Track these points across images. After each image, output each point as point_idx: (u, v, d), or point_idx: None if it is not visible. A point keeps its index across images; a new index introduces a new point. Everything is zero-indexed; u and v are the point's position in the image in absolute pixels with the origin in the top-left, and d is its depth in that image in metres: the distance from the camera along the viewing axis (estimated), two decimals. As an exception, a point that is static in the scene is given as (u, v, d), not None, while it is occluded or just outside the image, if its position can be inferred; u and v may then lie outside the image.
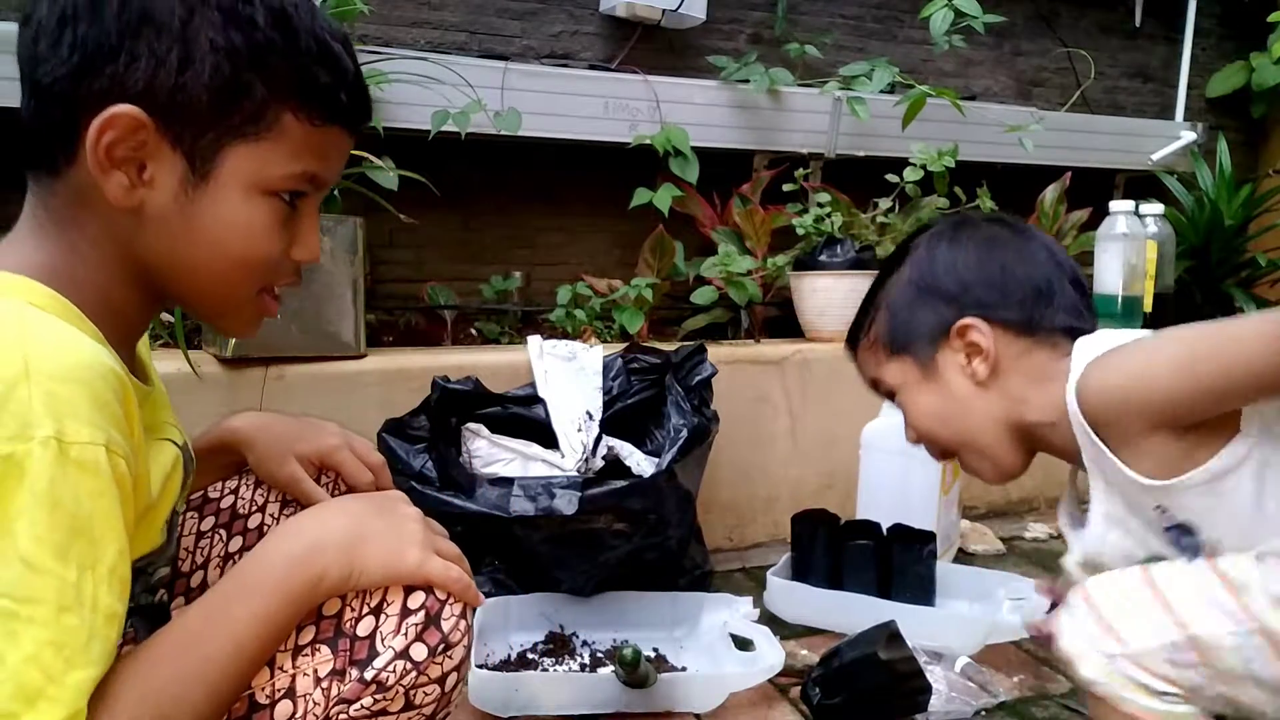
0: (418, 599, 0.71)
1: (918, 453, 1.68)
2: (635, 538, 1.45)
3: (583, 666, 1.37)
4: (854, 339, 1.09)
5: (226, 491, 0.98)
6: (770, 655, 1.29)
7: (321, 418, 1.03)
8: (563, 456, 1.54)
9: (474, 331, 2.15)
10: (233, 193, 0.69)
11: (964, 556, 1.90)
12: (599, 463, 1.56)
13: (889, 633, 1.21)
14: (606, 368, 1.70)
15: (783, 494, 1.99)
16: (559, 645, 1.42)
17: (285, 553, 0.70)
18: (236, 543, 0.96)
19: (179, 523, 0.83)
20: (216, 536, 0.96)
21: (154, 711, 0.61)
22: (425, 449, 1.51)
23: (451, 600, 0.73)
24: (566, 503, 1.38)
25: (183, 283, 0.72)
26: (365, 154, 1.67)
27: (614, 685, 1.22)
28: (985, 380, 0.96)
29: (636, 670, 1.19)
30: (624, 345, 1.77)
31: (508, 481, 1.42)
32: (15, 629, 0.54)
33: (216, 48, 0.65)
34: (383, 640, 0.69)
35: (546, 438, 1.59)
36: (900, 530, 1.60)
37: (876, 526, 1.63)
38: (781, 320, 2.22)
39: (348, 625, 0.70)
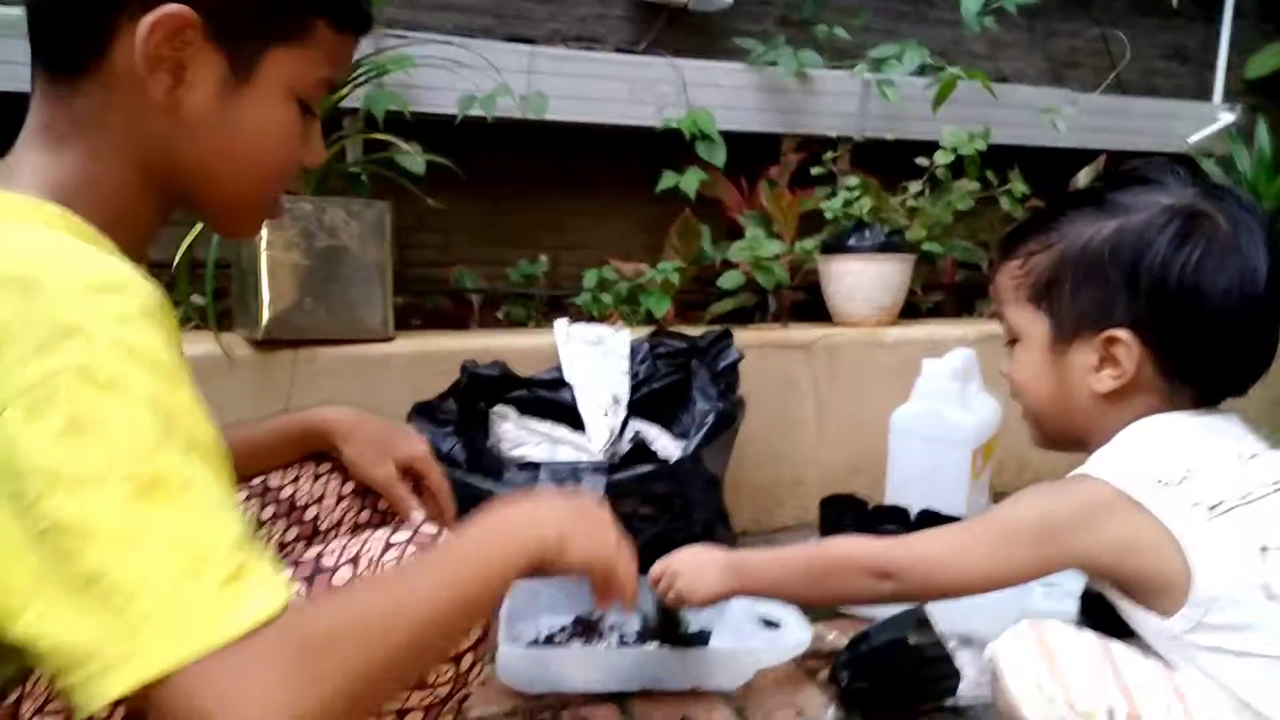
0: None
1: (948, 438, 1.68)
2: (661, 521, 1.45)
3: (610, 649, 1.38)
4: (1009, 250, 0.95)
5: (287, 481, 1.02)
6: (798, 632, 1.29)
7: (351, 401, 1.06)
8: (589, 440, 1.55)
9: (501, 315, 2.16)
10: (271, 95, 0.70)
11: (993, 543, 1.89)
12: (625, 446, 1.55)
13: (918, 618, 1.21)
14: (633, 352, 1.69)
15: (810, 478, 1.98)
16: (587, 629, 1.43)
17: (508, 517, 0.73)
18: (293, 532, 1.00)
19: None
20: (276, 525, 1.00)
21: (359, 637, 0.57)
22: (454, 432, 1.52)
23: None
24: (593, 487, 1.38)
25: (209, 184, 0.72)
26: (393, 138, 1.68)
27: (642, 662, 1.23)
28: (1104, 392, 0.88)
29: (670, 618, 1.23)
30: (650, 329, 1.77)
31: (535, 466, 1.43)
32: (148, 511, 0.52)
33: None
34: None
35: (573, 421, 1.59)
36: (929, 516, 1.59)
37: (905, 512, 1.61)
38: (809, 304, 2.20)
39: None
